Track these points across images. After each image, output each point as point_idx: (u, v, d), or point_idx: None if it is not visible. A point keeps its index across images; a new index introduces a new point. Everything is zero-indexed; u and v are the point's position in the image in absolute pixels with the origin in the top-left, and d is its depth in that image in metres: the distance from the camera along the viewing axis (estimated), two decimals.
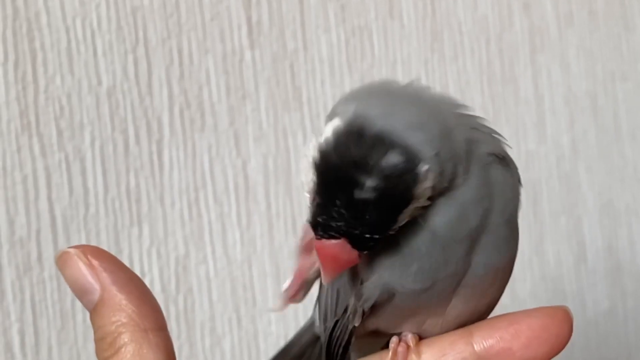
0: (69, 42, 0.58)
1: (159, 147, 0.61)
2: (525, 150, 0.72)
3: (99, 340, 0.33)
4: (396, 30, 0.68)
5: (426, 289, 0.33)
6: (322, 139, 0.31)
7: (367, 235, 0.30)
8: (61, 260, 0.34)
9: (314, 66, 0.66)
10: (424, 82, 0.68)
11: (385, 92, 0.33)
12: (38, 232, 0.57)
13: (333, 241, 0.31)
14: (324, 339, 0.38)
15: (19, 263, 0.57)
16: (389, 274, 0.33)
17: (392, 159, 0.29)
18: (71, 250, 0.33)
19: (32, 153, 0.57)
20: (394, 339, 0.34)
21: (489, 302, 0.35)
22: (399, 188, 0.30)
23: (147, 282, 0.60)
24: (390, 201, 0.30)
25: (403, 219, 0.30)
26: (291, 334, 0.64)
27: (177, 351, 0.61)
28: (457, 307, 0.34)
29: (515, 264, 0.74)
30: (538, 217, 0.73)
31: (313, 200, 0.31)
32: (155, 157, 0.61)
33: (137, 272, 0.60)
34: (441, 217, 0.32)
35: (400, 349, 0.34)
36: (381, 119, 0.30)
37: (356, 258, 0.31)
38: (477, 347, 0.34)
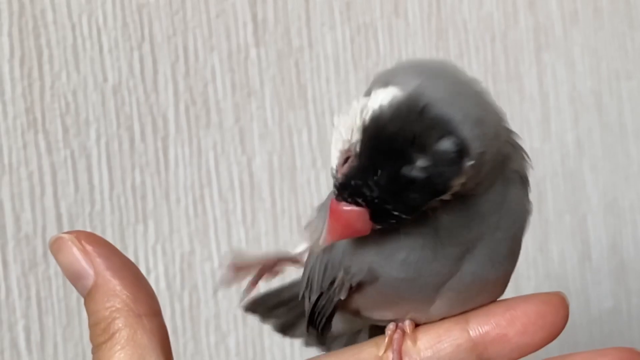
0: (74, 39, 0.59)
1: (165, 144, 0.61)
2: (529, 148, 0.71)
3: (93, 326, 0.33)
4: (401, 28, 0.68)
5: (408, 280, 0.33)
6: (375, 104, 0.30)
7: (395, 213, 0.29)
8: (55, 246, 0.34)
9: (319, 64, 0.66)
10: None
11: (451, 77, 0.32)
12: (44, 228, 0.58)
13: (353, 207, 0.30)
14: (307, 308, 0.38)
15: (24, 260, 0.57)
16: (376, 256, 0.33)
17: (446, 145, 0.29)
18: (65, 235, 0.33)
19: (38, 150, 0.58)
20: (391, 326, 0.34)
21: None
22: (443, 176, 0.29)
23: (152, 279, 0.60)
24: (431, 186, 0.29)
25: (429, 206, 0.30)
26: None
27: (182, 348, 0.62)
28: (441, 309, 0.34)
29: (520, 262, 0.73)
30: (542, 215, 0.73)
31: (347, 160, 0.30)
32: (160, 154, 0.61)
33: (142, 269, 0.60)
34: (448, 218, 0.31)
35: (396, 335, 0.34)
36: (444, 104, 0.29)
37: (368, 230, 0.30)
38: (472, 334, 0.34)
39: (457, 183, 0.29)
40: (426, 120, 0.29)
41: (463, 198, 0.31)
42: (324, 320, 0.37)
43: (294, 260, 0.42)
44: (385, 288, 0.33)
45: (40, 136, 0.58)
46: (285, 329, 0.45)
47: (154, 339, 0.33)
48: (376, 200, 0.29)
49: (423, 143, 0.29)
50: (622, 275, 0.76)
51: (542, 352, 0.35)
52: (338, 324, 0.39)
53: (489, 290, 0.34)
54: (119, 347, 0.32)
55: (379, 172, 0.29)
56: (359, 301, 0.35)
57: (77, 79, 0.59)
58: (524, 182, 0.34)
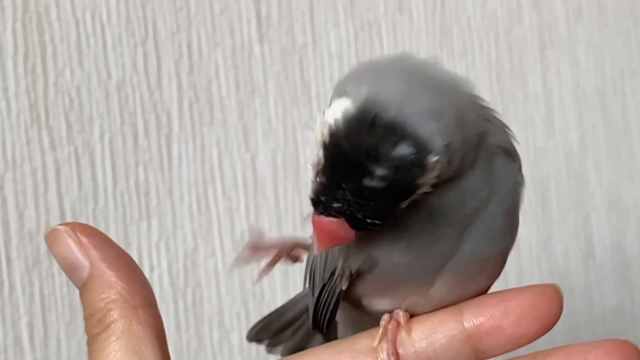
0: (78, 35, 0.59)
1: (168, 140, 0.61)
2: (533, 146, 0.72)
3: (88, 317, 0.33)
4: (405, 25, 0.68)
5: (409, 264, 0.33)
6: (331, 119, 0.30)
7: (369, 221, 0.30)
8: (50, 238, 0.34)
9: (323, 61, 0.65)
10: None
11: (401, 72, 0.32)
12: (47, 225, 0.57)
13: (332, 219, 0.31)
14: (311, 305, 0.38)
15: (28, 256, 0.57)
16: (375, 245, 0.33)
17: (403, 150, 0.29)
18: (60, 227, 0.33)
19: (42, 146, 0.57)
20: (385, 316, 0.35)
21: (476, 290, 0.35)
22: (407, 179, 0.30)
23: (155, 276, 0.60)
24: (397, 191, 0.30)
25: (405, 204, 0.31)
26: None
27: (185, 345, 0.62)
28: (440, 291, 0.34)
29: (523, 260, 0.73)
30: (546, 213, 0.73)
31: (317, 177, 0.31)
32: (164, 150, 0.61)
33: (146, 265, 0.60)
34: (440, 200, 0.32)
35: (391, 326, 0.34)
36: (395, 106, 0.30)
37: (353, 236, 0.31)
38: (467, 325, 0.34)
39: (427, 180, 0.30)
40: (379, 130, 0.29)
41: (447, 181, 0.31)
42: (327, 314, 0.37)
43: (309, 247, 0.42)
44: (385, 274, 0.34)
45: (44, 132, 0.58)
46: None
47: (149, 330, 0.33)
48: (347, 212, 0.30)
49: (378, 153, 0.29)
50: (626, 274, 0.76)
51: (544, 346, 0.35)
52: (346, 329, 0.40)
53: (488, 269, 0.34)
54: (114, 338, 0.33)
55: (343, 186, 0.30)
56: (359, 288, 0.35)
57: (81, 75, 0.58)
58: (509, 155, 0.34)
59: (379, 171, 0.29)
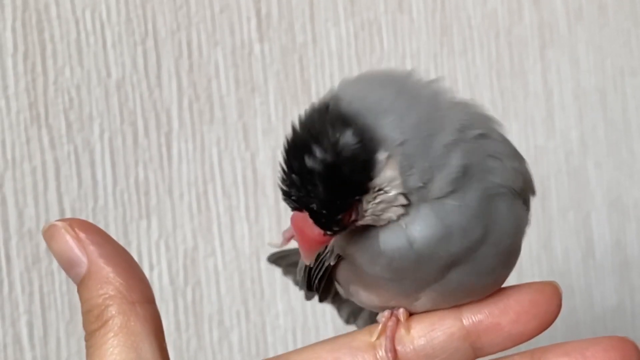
0: (78, 33, 0.58)
1: (168, 139, 0.61)
2: (534, 145, 0.72)
3: (86, 313, 0.33)
4: (405, 24, 0.68)
5: (390, 279, 0.33)
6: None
7: (324, 212, 0.31)
8: (48, 233, 0.34)
9: (323, 59, 0.65)
10: (432, 76, 0.68)
11: (379, 76, 0.33)
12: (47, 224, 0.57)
13: (298, 212, 0.31)
14: (306, 269, 0.39)
15: (27, 255, 0.57)
16: (360, 254, 0.33)
17: (347, 138, 0.30)
18: (58, 223, 0.33)
19: (41, 145, 0.57)
20: (385, 313, 0.35)
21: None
22: (351, 168, 0.30)
23: (155, 274, 0.60)
24: (340, 179, 0.30)
25: (365, 210, 0.31)
26: (299, 327, 0.64)
27: (185, 344, 0.62)
28: (426, 305, 0.34)
29: (523, 259, 0.73)
30: (546, 213, 0.73)
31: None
32: (164, 149, 0.61)
33: (146, 264, 0.60)
34: (422, 230, 0.32)
35: (390, 322, 0.34)
36: (353, 100, 0.31)
37: (321, 237, 0.32)
38: (466, 322, 0.34)
39: (384, 177, 0.30)
40: (330, 117, 0.31)
41: (427, 204, 0.31)
42: (316, 281, 0.38)
43: None
44: (369, 277, 0.34)
45: (44, 131, 0.58)
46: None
47: (147, 326, 0.33)
48: (301, 200, 0.31)
49: (323, 137, 0.30)
50: (626, 273, 0.76)
51: (544, 344, 0.35)
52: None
53: (477, 294, 0.34)
54: (112, 334, 0.33)
55: (292, 168, 0.31)
56: (348, 273, 0.36)
57: (81, 74, 0.58)
58: (517, 196, 0.33)
59: (319, 153, 0.30)
